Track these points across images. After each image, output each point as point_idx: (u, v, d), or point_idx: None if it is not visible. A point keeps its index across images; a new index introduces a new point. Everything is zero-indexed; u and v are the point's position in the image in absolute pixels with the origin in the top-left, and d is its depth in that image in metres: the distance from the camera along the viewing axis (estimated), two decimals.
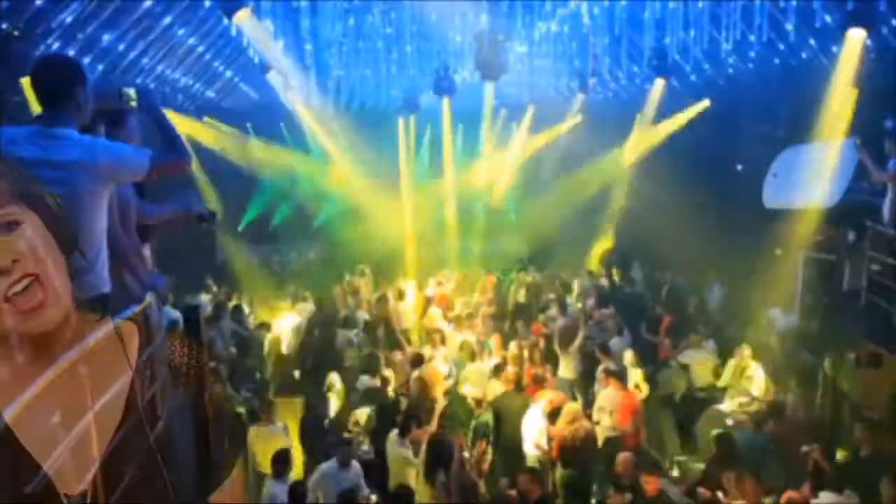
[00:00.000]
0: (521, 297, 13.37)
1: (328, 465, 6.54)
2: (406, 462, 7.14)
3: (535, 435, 7.66)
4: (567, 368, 9.73)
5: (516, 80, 15.16)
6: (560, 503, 7.46)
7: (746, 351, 9.09)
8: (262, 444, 7.16)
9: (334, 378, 9.07)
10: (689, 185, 13.12)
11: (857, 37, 9.42)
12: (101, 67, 12.02)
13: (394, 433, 7.32)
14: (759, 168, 11.89)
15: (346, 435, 7.65)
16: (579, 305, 12.45)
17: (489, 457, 7.64)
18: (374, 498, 6.28)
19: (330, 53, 13.80)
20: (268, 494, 6.18)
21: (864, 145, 8.26)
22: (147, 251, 3.92)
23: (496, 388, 8.63)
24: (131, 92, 3.61)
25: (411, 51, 14.16)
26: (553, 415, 7.81)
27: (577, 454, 7.31)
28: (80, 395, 2.14)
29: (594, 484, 7.52)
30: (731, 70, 12.50)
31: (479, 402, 8.45)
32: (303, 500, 5.83)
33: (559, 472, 7.44)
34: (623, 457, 6.72)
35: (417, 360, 9.15)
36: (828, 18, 9.65)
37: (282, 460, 6.38)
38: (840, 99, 10.22)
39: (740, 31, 10.86)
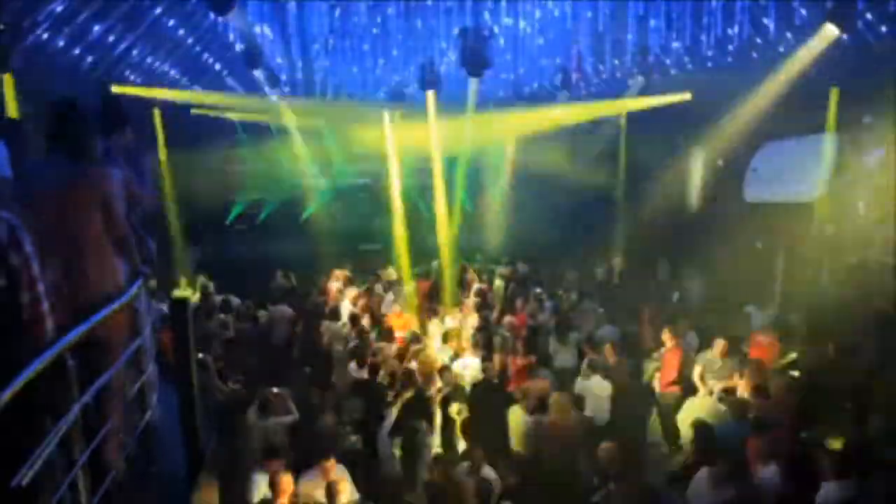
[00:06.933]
0: (502, 288, 13.45)
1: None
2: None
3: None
4: (564, 359, 9.74)
5: (502, 75, 15.20)
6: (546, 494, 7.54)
7: (721, 344, 9.20)
8: (264, 436, 7.19)
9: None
10: (670, 179, 13.24)
11: (829, 32, 9.52)
12: (89, 60, 12.00)
13: (385, 427, 7.40)
14: (739, 163, 11.99)
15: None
16: (563, 297, 12.56)
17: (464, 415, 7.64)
18: None
19: (316, 47, 13.81)
20: (253, 485, 6.24)
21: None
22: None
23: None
24: None
25: (397, 44, 14.18)
26: (539, 410, 7.88)
27: (565, 443, 7.37)
28: None
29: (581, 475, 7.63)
30: (710, 65, 12.53)
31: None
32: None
33: (546, 461, 7.49)
34: (606, 447, 6.75)
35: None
36: (803, 11, 9.77)
37: (267, 452, 6.44)
38: (817, 94, 10.35)
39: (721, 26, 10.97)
